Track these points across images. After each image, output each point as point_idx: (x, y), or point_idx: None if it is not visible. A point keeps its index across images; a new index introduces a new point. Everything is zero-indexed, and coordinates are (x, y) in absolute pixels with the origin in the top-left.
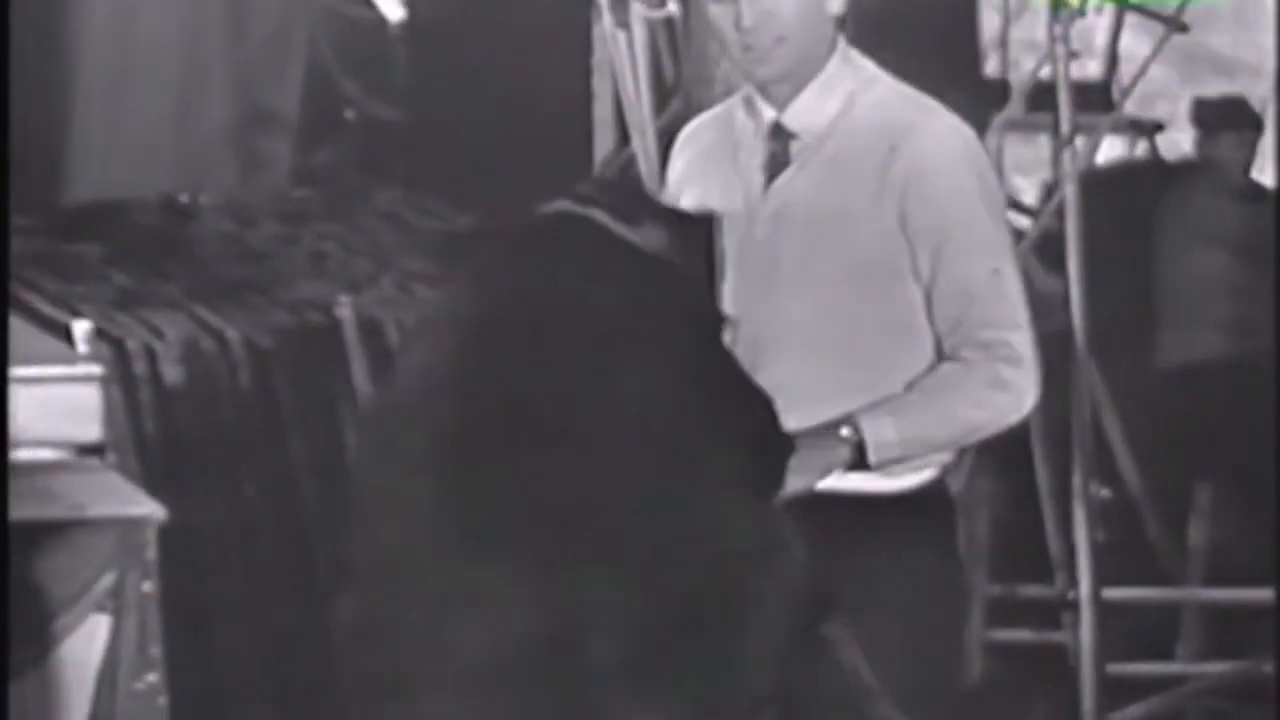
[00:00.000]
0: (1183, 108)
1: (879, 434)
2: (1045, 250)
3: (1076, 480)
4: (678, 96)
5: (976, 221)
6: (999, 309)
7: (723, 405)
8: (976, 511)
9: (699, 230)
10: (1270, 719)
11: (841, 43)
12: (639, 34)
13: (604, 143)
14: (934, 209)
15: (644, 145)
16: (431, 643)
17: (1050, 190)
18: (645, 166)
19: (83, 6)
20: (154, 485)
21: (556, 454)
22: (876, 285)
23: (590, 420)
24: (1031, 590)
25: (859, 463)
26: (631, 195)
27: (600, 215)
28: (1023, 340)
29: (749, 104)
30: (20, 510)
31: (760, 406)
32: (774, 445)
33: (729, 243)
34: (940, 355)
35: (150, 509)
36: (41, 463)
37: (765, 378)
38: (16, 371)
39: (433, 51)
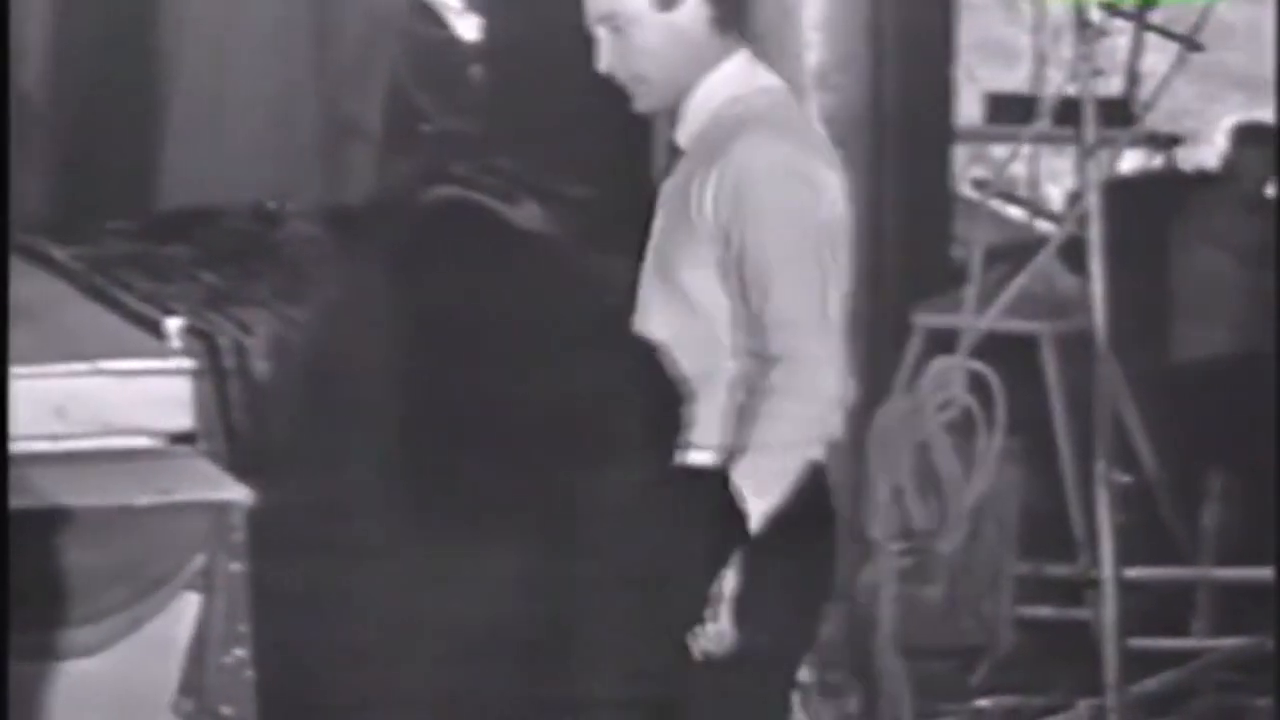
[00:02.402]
0: (1206, 123)
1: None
2: (1069, 254)
3: (1098, 467)
4: None
5: (770, 233)
6: (788, 314)
7: (609, 360)
8: (1005, 496)
9: (573, 208)
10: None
11: (728, 58)
12: None
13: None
14: (734, 211)
15: None
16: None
17: (1075, 198)
18: None
19: (177, 20)
20: (242, 472)
21: (456, 430)
22: (680, 280)
23: (485, 391)
24: (1057, 569)
25: None
26: (510, 177)
27: (483, 197)
28: (816, 344)
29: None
30: (115, 495)
31: (646, 358)
32: (666, 398)
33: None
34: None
35: (238, 494)
36: (136, 450)
37: None
38: (113, 365)
39: (504, 68)
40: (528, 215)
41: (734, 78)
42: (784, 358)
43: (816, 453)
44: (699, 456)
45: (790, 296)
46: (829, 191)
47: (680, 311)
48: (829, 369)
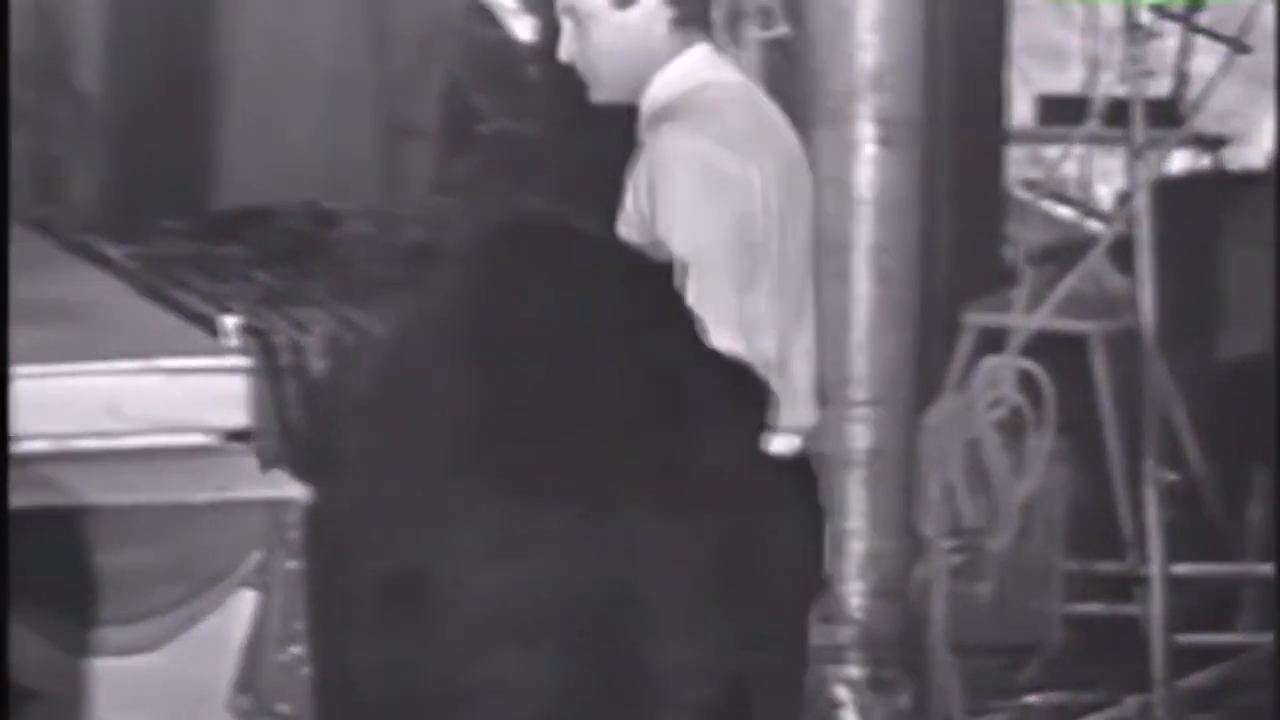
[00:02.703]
0: (1252, 124)
1: None
2: (1118, 253)
3: (1147, 465)
4: (790, 113)
5: (677, 224)
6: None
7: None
8: (1055, 495)
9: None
10: None
11: (688, 49)
12: (753, 54)
13: None
14: (650, 203)
15: None
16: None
17: (1124, 198)
18: None
19: (234, 20)
20: (298, 469)
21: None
22: None
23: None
24: (1105, 566)
25: None
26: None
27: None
28: None
29: None
30: (170, 492)
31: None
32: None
33: None
34: None
35: (294, 491)
36: (191, 448)
37: None
38: (167, 363)
39: (561, 69)
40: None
41: (691, 72)
42: None
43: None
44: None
45: (695, 292)
46: (746, 188)
47: None
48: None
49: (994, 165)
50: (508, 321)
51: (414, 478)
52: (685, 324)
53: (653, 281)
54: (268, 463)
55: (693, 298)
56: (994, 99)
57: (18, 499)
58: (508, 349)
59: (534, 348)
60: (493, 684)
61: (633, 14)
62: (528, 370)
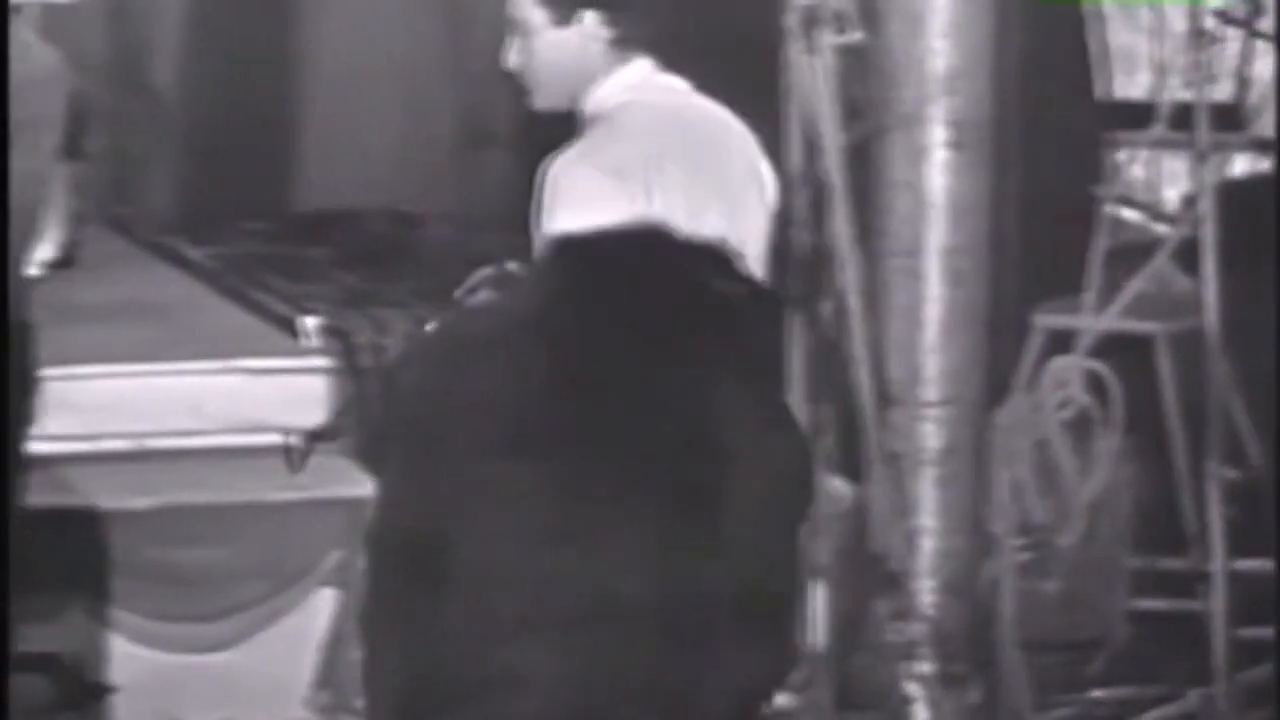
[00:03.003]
0: None
1: None
2: (1184, 255)
3: (1210, 464)
4: (863, 118)
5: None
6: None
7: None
8: (1121, 493)
9: None
10: None
11: (623, 66)
12: (826, 60)
13: (793, 160)
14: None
15: (830, 164)
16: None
17: (1189, 201)
18: (831, 184)
19: (313, 21)
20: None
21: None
22: None
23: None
24: (1169, 563)
25: None
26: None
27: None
28: None
29: None
30: (252, 491)
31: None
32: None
33: None
34: None
35: (373, 490)
36: (274, 447)
37: None
38: (249, 363)
39: None
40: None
41: (617, 91)
42: None
43: None
44: None
45: None
46: (617, 212)
47: None
48: None
49: (1062, 169)
50: (572, 322)
51: (462, 470)
52: (744, 352)
53: (717, 295)
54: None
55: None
56: (1064, 106)
57: (98, 498)
58: (569, 351)
59: (595, 354)
60: (520, 672)
61: (570, 32)
62: (589, 376)
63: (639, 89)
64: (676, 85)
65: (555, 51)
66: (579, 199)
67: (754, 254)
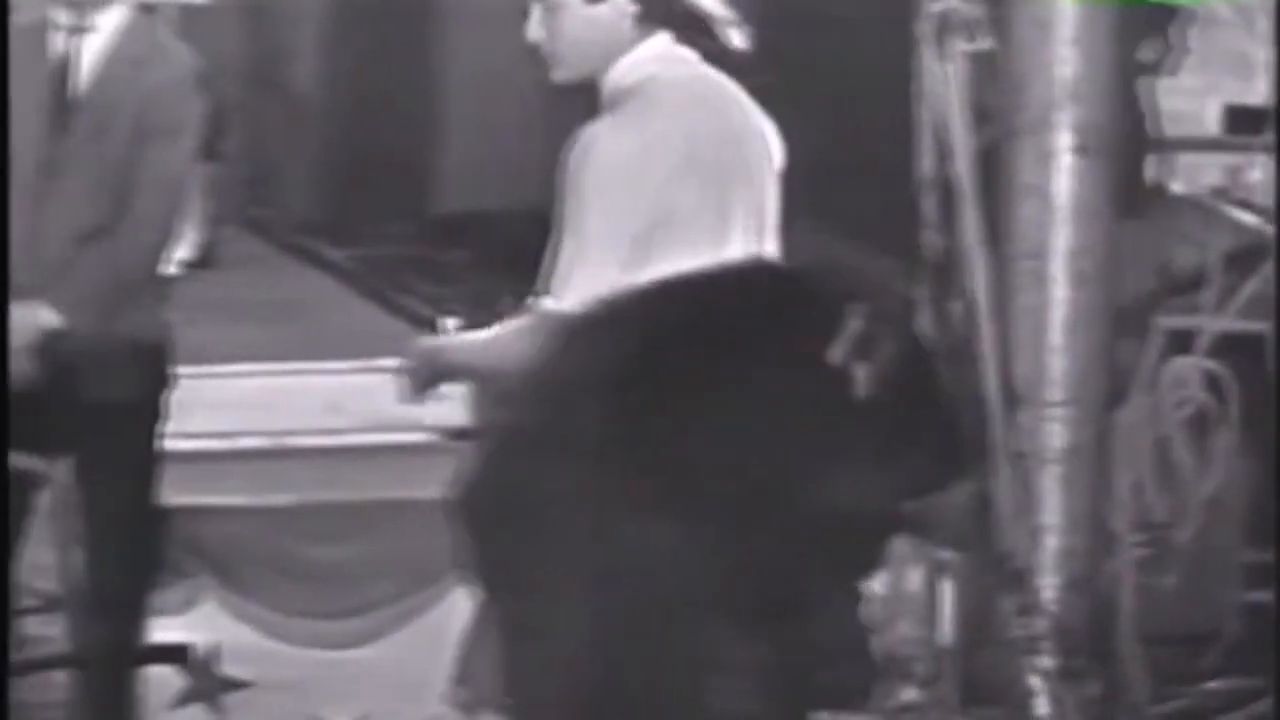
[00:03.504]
0: None
1: None
2: None
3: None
4: (992, 123)
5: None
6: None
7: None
8: (1237, 489)
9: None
10: None
11: (645, 41)
12: (958, 67)
13: (924, 163)
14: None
15: (960, 168)
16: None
17: None
18: (960, 188)
19: (456, 28)
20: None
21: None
22: None
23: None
24: None
25: None
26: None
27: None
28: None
29: None
30: (390, 489)
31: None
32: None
33: None
34: None
35: None
36: (413, 445)
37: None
38: (387, 362)
39: (775, 79)
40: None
41: (642, 64)
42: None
43: None
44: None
45: (566, 264)
46: (652, 180)
47: None
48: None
49: (1184, 175)
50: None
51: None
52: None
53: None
54: None
55: (562, 268)
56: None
57: (235, 495)
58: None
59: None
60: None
61: (603, 8)
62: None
63: (660, 61)
64: (689, 57)
65: (587, 26)
66: (621, 177)
67: (770, 222)
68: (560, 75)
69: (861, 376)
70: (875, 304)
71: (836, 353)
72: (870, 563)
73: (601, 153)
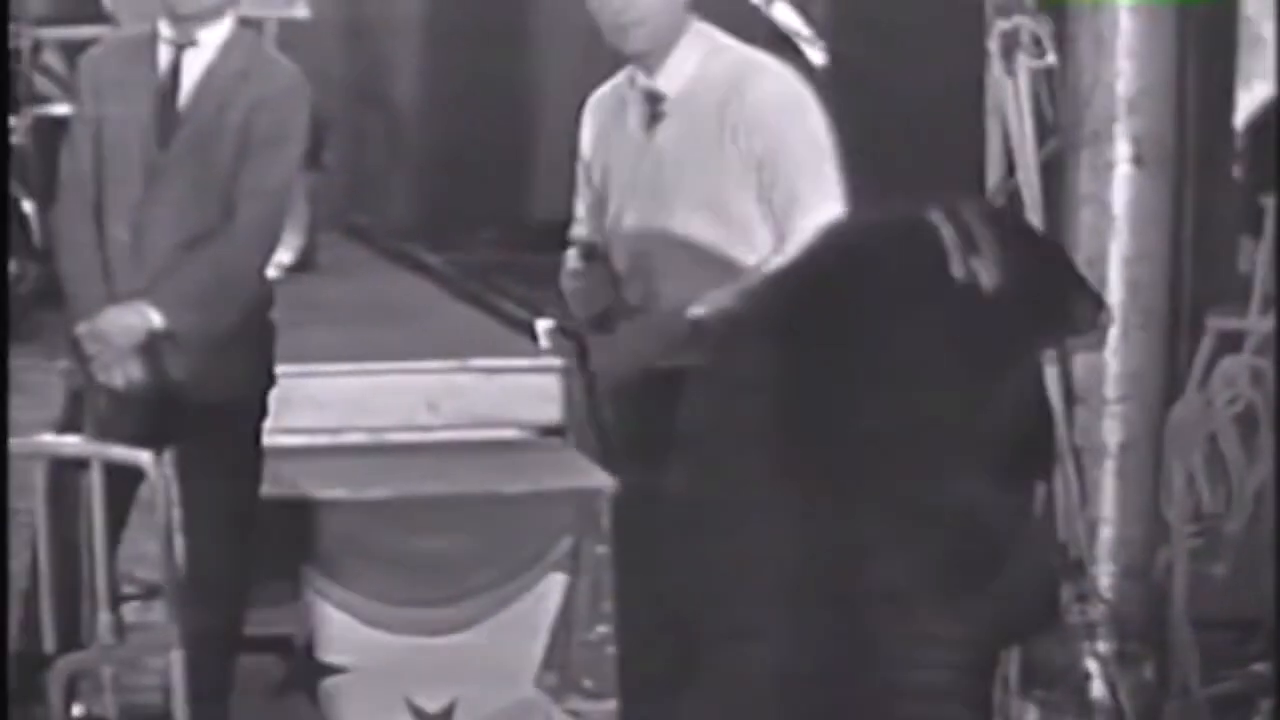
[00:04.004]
0: None
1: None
2: None
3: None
4: (1055, 135)
5: (798, 131)
6: (811, 197)
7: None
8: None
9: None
10: None
11: (693, 21)
12: (1024, 81)
13: (993, 175)
14: (757, 121)
15: (1026, 177)
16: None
17: None
18: (1027, 193)
19: (545, 37)
20: (608, 461)
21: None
22: (725, 204)
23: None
24: None
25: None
26: (994, 222)
27: (948, 233)
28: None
29: (630, 78)
30: (486, 483)
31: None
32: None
33: (620, 184)
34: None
35: (603, 481)
36: (509, 441)
37: (660, 286)
38: (482, 362)
39: (851, 95)
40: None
41: (705, 38)
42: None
43: None
44: None
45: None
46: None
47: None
48: None
49: (1234, 183)
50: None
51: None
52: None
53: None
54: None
55: (820, 197)
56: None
57: (335, 489)
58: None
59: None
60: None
61: None
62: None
63: (715, 38)
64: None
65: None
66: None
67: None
68: (636, 46)
69: (981, 269)
70: (951, 211)
71: (956, 267)
72: (1041, 454)
73: (811, 101)
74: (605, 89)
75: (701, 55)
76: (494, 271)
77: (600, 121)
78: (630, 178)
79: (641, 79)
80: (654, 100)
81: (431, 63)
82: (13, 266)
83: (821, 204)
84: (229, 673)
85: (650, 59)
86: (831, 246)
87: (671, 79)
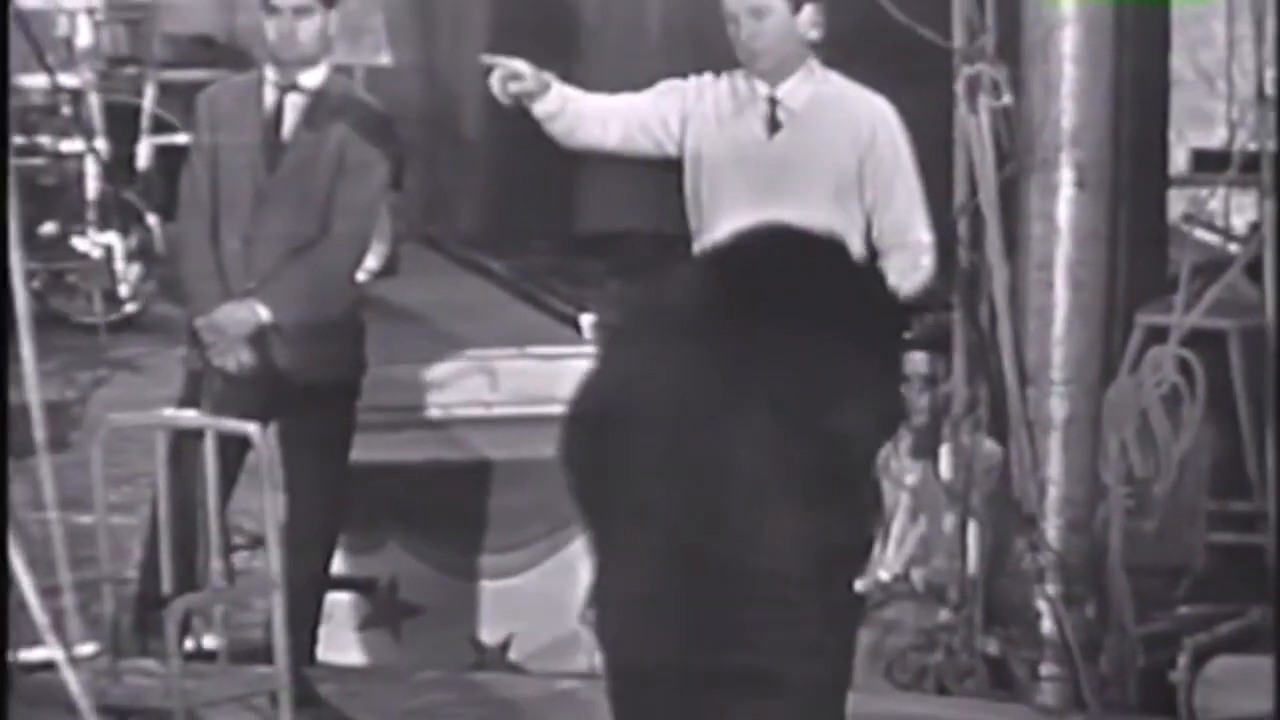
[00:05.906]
0: None
1: None
2: (1251, 269)
3: (1270, 429)
4: (1011, 162)
5: (908, 167)
6: (916, 220)
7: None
8: (1202, 451)
9: None
10: None
11: (811, 59)
12: (984, 118)
13: (960, 194)
14: (884, 156)
15: (987, 197)
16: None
17: (1255, 227)
18: (988, 210)
19: (592, 80)
20: None
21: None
22: (841, 204)
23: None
24: (1239, 505)
25: None
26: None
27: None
28: (927, 236)
29: (747, 80)
30: (539, 450)
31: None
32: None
33: (737, 175)
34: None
35: None
36: (558, 415)
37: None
38: (538, 350)
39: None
40: None
41: (818, 70)
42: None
43: None
44: None
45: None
46: None
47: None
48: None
49: (1159, 202)
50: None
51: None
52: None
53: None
54: None
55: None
56: (1160, 152)
57: (415, 454)
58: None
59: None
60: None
61: (801, 17)
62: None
63: (830, 75)
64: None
65: (784, 29)
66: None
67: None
68: (761, 66)
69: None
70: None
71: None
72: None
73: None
74: (708, 79)
75: (815, 83)
76: (546, 274)
77: (708, 113)
78: (749, 171)
79: (761, 87)
80: (772, 106)
81: (494, 100)
82: (136, 269)
83: (924, 231)
84: (319, 608)
85: (771, 78)
86: (747, 242)
87: (790, 95)
